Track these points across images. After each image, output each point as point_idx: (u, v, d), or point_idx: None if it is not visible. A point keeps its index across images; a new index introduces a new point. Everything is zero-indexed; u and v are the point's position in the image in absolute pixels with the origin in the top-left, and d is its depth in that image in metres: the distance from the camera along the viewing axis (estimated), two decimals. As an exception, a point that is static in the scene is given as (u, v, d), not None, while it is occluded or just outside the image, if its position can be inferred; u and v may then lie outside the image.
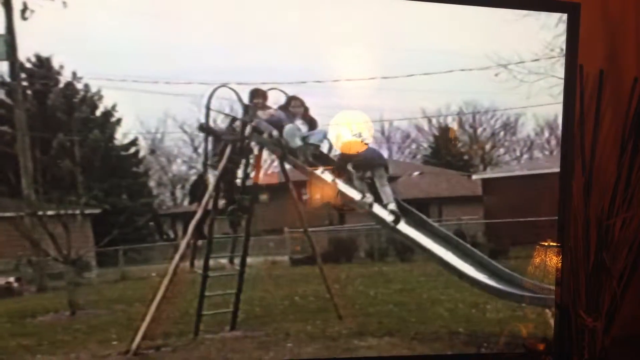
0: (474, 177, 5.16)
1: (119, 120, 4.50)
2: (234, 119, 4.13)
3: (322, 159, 4.15)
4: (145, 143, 4.67)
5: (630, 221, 3.44)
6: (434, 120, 4.88)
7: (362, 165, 4.12)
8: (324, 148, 4.10)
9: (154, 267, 4.75)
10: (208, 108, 4.06)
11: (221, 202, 4.28)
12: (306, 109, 4.06)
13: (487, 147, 5.11)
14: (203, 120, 4.12)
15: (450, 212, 5.19)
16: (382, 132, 4.82)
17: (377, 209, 4.18)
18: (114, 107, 4.40)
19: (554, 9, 3.25)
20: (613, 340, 3.46)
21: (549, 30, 3.29)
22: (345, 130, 4.01)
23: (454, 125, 4.85)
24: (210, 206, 4.21)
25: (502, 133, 4.94)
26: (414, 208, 4.29)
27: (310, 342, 4.12)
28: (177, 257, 4.12)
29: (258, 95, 4.05)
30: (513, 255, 4.46)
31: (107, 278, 4.81)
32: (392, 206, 4.16)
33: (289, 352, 4.03)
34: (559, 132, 3.34)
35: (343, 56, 3.66)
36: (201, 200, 4.22)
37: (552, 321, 3.42)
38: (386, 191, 4.17)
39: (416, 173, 5.24)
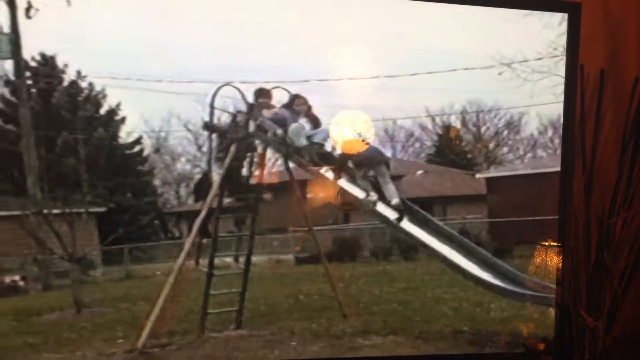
0: (478, 176, 5.16)
1: (123, 119, 4.52)
2: (236, 114, 4.13)
3: (326, 158, 4.15)
4: (149, 142, 4.69)
5: (631, 221, 3.43)
6: (437, 119, 4.89)
7: (363, 164, 4.12)
8: (328, 147, 4.11)
9: (158, 265, 4.77)
10: (212, 107, 4.07)
11: (226, 201, 4.29)
12: (309, 107, 4.07)
13: (491, 145, 5.11)
14: (207, 119, 4.13)
15: (454, 211, 5.19)
16: (386, 131, 4.83)
17: (380, 207, 4.19)
18: (118, 105, 4.42)
19: (555, 8, 3.25)
20: (614, 339, 3.44)
21: (552, 29, 3.29)
22: (346, 129, 4.02)
23: (457, 124, 4.85)
24: (214, 205, 4.22)
25: (505, 132, 4.94)
26: (418, 207, 4.29)
27: (315, 341, 4.12)
28: (182, 255, 4.12)
29: (263, 94, 4.06)
30: (517, 254, 4.46)
31: (112, 276, 4.83)
32: (396, 201, 4.16)
33: (294, 350, 4.04)
34: (563, 131, 3.35)
35: (346, 56, 3.67)
36: (206, 199, 4.23)
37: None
38: (389, 188, 4.17)
39: (420, 172, 5.25)
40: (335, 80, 3.74)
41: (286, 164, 4.29)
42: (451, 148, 5.20)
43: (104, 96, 4.36)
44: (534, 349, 3.37)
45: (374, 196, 4.15)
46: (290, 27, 3.52)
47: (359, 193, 4.17)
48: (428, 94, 4.22)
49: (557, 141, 3.91)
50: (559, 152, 3.35)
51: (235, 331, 4.28)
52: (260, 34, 3.57)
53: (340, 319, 4.36)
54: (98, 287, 4.73)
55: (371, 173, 4.14)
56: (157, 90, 3.92)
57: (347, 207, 4.62)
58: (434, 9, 3.16)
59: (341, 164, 4.13)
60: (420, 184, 5.21)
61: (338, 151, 4.13)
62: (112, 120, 4.52)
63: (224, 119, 4.18)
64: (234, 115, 4.14)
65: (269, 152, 4.26)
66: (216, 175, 4.26)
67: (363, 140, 3.97)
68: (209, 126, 4.16)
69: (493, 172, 5.17)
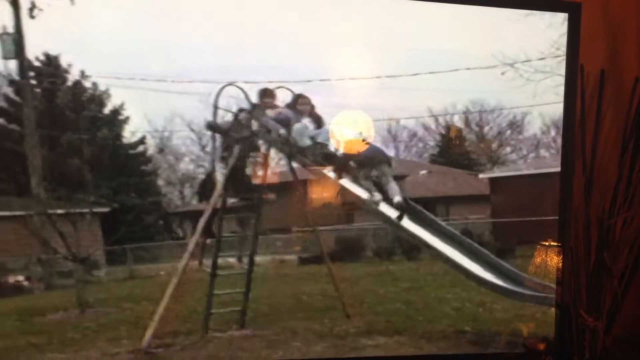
0: (481, 176, 5.16)
1: (126, 119, 4.52)
2: (238, 112, 4.14)
3: (329, 158, 4.16)
4: (153, 141, 4.69)
5: (631, 221, 3.43)
6: (440, 119, 4.89)
7: (365, 163, 4.12)
8: (331, 147, 4.11)
9: (162, 265, 4.77)
10: (216, 106, 4.07)
11: (230, 201, 4.30)
12: (312, 107, 4.07)
13: (494, 145, 5.11)
14: (211, 119, 4.14)
15: (457, 211, 5.19)
16: (389, 131, 4.83)
17: (382, 206, 4.19)
18: (122, 105, 4.42)
19: (555, 8, 3.25)
20: (614, 339, 3.45)
21: (554, 28, 3.29)
22: (346, 129, 4.02)
23: (460, 124, 4.85)
24: (218, 205, 4.22)
25: (508, 132, 4.94)
26: (422, 207, 4.29)
27: (319, 341, 4.12)
28: (186, 255, 4.13)
29: (267, 94, 4.07)
30: (520, 254, 4.46)
31: (116, 276, 4.83)
32: (398, 199, 4.16)
33: (297, 350, 4.04)
34: (565, 130, 3.35)
35: (348, 56, 3.68)
36: (209, 199, 4.24)
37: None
38: (392, 187, 4.17)
39: (423, 172, 5.25)
40: (337, 80, 3.75)
41: (289, 164, 4.30)
42: (451, 148, 5.20)
43: (108, 96, 4.36)
44: (534, 349, 3.38)
45: (377, 196, 4.15)
46: (291, 27, 3.53)
47: (362, 193, 4.17)
48: (431, 94, 4.23)
49: (559, 141, 3.90)
50: (561, 152, 3.35)
51: (239, 331, 4.28)
52: (262, 34, 3.58)
53: (344, 319, 4.36)
54: (102, 287, 4.73)
55: (374, 173, 4.14)
56: (161, 90, 3.93)
57: (349, 207, 4.62)
58: (436, 8, 3.17)
59: (343, 163, 4.13)
60: (423, 184, 5.21)
61: (340, 151, 4.14)
62: (116, 120, 4.52)
63: (227, 118, 4.18)
64: (236, 113, 4.14)
65: (272, 152, 4.26)
66: (220, 176, 4.27)
67: (363, 140, 3.97)
68: (212, 126, 4.17)
69: (496, 172, 5.17)
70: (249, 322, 4.32)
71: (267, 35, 3.57)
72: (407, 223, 4.23)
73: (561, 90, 3.28)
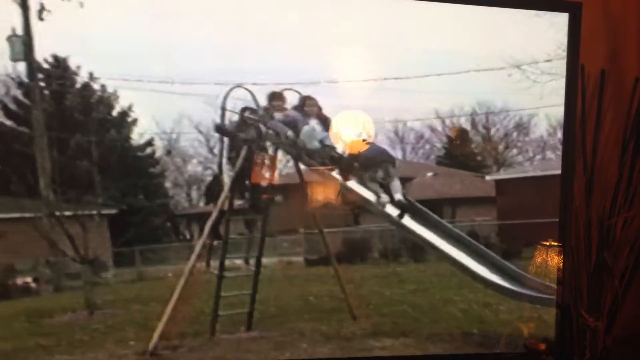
0: (488, 178, 5.16)
1: (135, 121, 4.52)
2: (242, 110, 4.14)
3: (335, 160, 4.16)
4: (161, 143, 4.69)
5: (632, 221, 3.44)
6: (447, 121, 4.89)
7: (368, 164, 4.12)
8: (339, 149, 4.11)
9: (170, 267, 4.78)
10: (223, 108, 4.08)
11: (237, 203, 4.30)
12: (320, 109, 4.08)
13: (501, 147, 5.11)
14: (219, 121, 4.14)
15: (463, 213, 5.19)
16: (396, 133, 4.84)
17: (388, 208, 4.20)
18: (130, 107, 4.43)
19: (556, 8, 3.26)
20: (614, 339, 3.46)
21: (560, 30, 3.30)
22: (349, 129, 4.02)
23: (467, 126, 4.85)
24: (225, 206, 4.23)
25: (515, 134, 4.94)
26: (428, 209, 4.30)
27: (325, 343, 4.12)
28: (193, 257, 4.14)
29: (276, 97, 4.08)
30: (526, 256, 4.46)
31: (123, 278, 4.83)
32: (398, 197, 4.17)
33: (304, 352, 4.04)
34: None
35: (355, 57, 3.68)
36: (217, 201, 4.24)
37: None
38: (394, 185, 4.17)
39: (430, 174, 5.25)
40: (348, 81, 3.76)
41: (297, 166, 4.30)
42: (454, 148, 5.20)
43: (116, 98, 4.36)
44: (535, 349, 3.38)
45: (384, 198, 4.15)
46: (298, 29, 3.54)
47: (369, 195, 4.17)
48: (437, 96, 4.23)
49: (566, 143, 3.90)
50: (567, 154, 3.36)
51: (246, 333, 4.28)
52: (270, 36, 3.58)
53: (350, 320, 4.37)
54: (110, 289, 4.74)
55: (379, 174, 4.14)
56: (169, 91, 3.93)
57: (355, 208, 4.62)
58: (443, 10, 3.18)
59: (348, 165, 4.13)
60: (430, 186, 5.21)
61: (344, 153, 4.14)
62: (124, 122, 4.52)
63: (235, 120, 4.18)
64: (242, 112, 4.14)
65: (280, 154, 4.27)
66: (227, 178, 4.27)
67: (364, 140, 3.98)
68: (220, 128, 4.17)
69: (503, 174, 5.17)
70: (256, 324, 4.33)
71: (274, 36, 3.58)
72: (413, 225, 4.23)
73: (567, 92, 3.29)
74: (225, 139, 4.22)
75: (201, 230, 4.32)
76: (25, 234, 4.29)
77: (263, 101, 4.08)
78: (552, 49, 3.43)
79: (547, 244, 3.34)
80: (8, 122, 4.30)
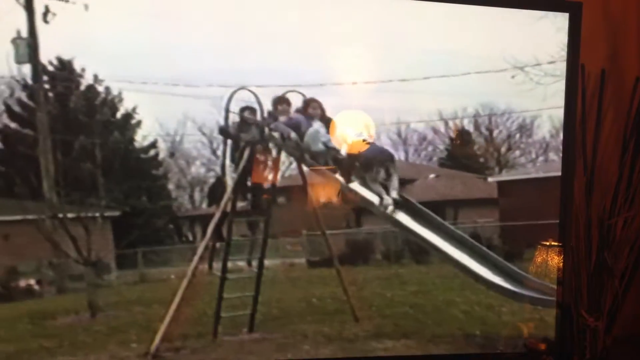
0: (490, 179, 5.16)
1: (139, 123, 4.52)
2: (242, 110, 4.13)
3: (338, 161, 4.16)
4: (164, 145, 4.68)
5: (632, 220, 3.47)
6: (450, 123, 4.88)
7: (368, 164, 4.12)
8: (343, 151, 4.11)
9: (172, 269, 4.77)
10: (227, 111, 4.07)
11: (240, 205, 4.30)
12: (323, 111, 4.08)
13: (503, 149, 5.11)
14: (223, 123, 4.14)
15: (465, 215, 5.18)
16: (399, 134, 4.84)
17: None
18: (134, 109, 4.42)
19: (556, 8, 3.27)
20: (614, 339, 3.48)
21: (564, 32, 3.31)
22: (349, 130, 4.02)
23: (470, 127, 4.85)
24: (228, 208, 4.23)
25: (517, 135, 4.93)
26: (430, 210, 4.29)
27: (327, 344, 4.13)
28: (195, 259, 4.14)
29: (281, 102, 4.08)
30: (528, 257, 4.45)
31: (126, 280, 4.82)
32: (394, 194, 4.17)
33: (306, 354, 4.04)
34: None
35: (358, 59, 3.68)
36: (219, 203, 4.24)
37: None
38: (392, 182, 4.17)
39: (432, 176, 5.24)
40: (352, 83, 3.76)
41: (300, 167, 4.30)
42: (456, 150, 5.19)
43: (121, 100, 4.35)
44: (535, 348, 3.39)
45: (388, 200, 4.15)
46: (303, 31, 3.54)
47: (372, 197, 4.17)
48: (439, 97, 4.23)
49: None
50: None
51: (248, 335, 4.29)
52: (271, 37, 3.59)
53: (353, 322, 4.37)
54: (112, 291, 4.72)
55: (381, 175, 4.14)
56: (173, 93, 3.93)
57: (357, 209, 4.62)
58: (444, 10, 3.20)
59: (349, 165, 4.13)
60: (432, 187, 5.21)
61: (345, 153, 4.13)
62: (128, 124, 4.52)
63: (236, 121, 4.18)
64: (241, 112, 4.13)
65: (283, 156, 4.26)
66: (230, 179, 4.27)
67: (364, 140, 3.98)
68: (224, 131, 4.17)
69: (505, 176, 5.16)
70: (258, 326, 4.34)
71: (276, 37, 3.59)
72: (416, 226, 4.23)
73: (570, 93, 3.30)
74: (229, 141, 4.22)
75: (204, 232, 4.31)
76: (29, 236, 4.28)
77: (267, 103, 4.08)
78: (555, 51, 3.45)
79: (547, 243, 3.35)
80: (12, 125, 4.28)
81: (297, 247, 4.99)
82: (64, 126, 4.22)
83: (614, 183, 3.47)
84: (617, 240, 3.45)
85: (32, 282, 4.44)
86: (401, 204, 4.21)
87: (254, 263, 4.40)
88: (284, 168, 4.41)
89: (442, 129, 4.84)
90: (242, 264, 4.48)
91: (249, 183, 4.28)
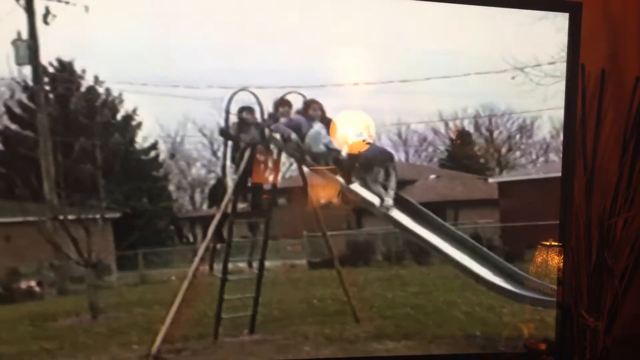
0: (490, 180, 5.16)
1: (139, 124, 4.52)
2: (241, 110, 4.13)
3: (338, 162, 4.16)
4: (165, 147, 4.68)
5: (632, 220, 3.47)
6: (450, 124, 4.88)
7: (368, 164, 4.12)
8: (344, 152, 4.11)
9: (173, 270, 4.77)
10: (228, 112, 4.07)
11: (240, 206, 4.30)
12: (324, 112, 4.08)
13: (503, 150, 5.11)
14: (223, 124, 4.14)
15: (466, 216, 5.18)
16: (399, 135, 4.84)
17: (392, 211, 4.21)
18: (134, 110, 4.42)
19: (556, 8, 3.28)
20: (614, 339, 3.48)
21: (564, 33, 3.31)
22: (351, 130, 4.02)
23: (470, 128, 4.85)
24: (229, 209, 4.23)
25: (518, 136, 4.94)
26: (431, 211, 4.29)
27: (328, 345, 4.13)
28: (196, 260, 4.14)
29: (282, 104, 4.08)
30: (529, 258, 4.45)
31: (127, 281, 4.82)
32: (392, 194, 4.17)
33: (307, 355, 4.05)
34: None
35: (358, 59, 3.68)
36: (220, 204, 4.24)
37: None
38: (390, 182, 4.17)
39: (433, 176, 5.25)
40: (353, 84, 3.76)
41: (300, 169, 4.31)
42: (456, 151, 5.19)
43: (121, 101, 4.36)
44: (535, 349, 3.39)
45: (389, 201, 4.15)
46: (303, 31, 3.55)
47: (373, 199, 4.17)
48: (439, 98, 4.24)
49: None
50: (569, 156, 3.37)
51: (249, 336, 4.28)
52: (271, 38, 3.59)
53: (353, 323, 4.37)
54: (113, 292, 4.73)
55: (382, 175, 4.14)
56: (173, 95, 3.93)
57: (357, 210, 4.63)
58: (445, 10, 3.19)
59: (349, 166, 4.13)
60: (432, 188, 5.21)
61: (345, 154, 4.13)
62: (129, 125, 4.52)
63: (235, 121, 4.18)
64: (239, 112, 4.13)
65: (283, 157, 4.26)
66: (230, 181, 4.27)
67: (363, 141, 3.98)
68: (225, 132, 4.17)
69: (505, 177, 5.16)
70: (259, 327, 4.33)
71: (275, 38, 3.59)
72: (417, 227, 4.23)
73: (570, 94, 3.30)
74: (229, 142, 4.22)
75: (204, 233, 4.31)
76: (30, 238, 4.29)
77: (267, 104, 4.08)
78: (555, 52, 3.45)
79: (548, 243, 3.35)
80: (13, 126, 4.28)
81: (297, 247, 4.99)
82: (64, 128, 4.23)
83: (614, 183, 3.47)
84: (617, 240, 3.45)
85: (33, 283, 4.45)
86: (401, 204, 4.20)
87: (255, 264, 4.40)
88: (284, 169, 4.40)
89: (442, 129, 4.84)
90: (242, 265, 4.48)
91: (249, 184, 4.27)
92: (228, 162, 4.26)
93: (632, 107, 3.47)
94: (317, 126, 4.09)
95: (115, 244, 4.65)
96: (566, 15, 3.26)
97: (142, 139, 4.65)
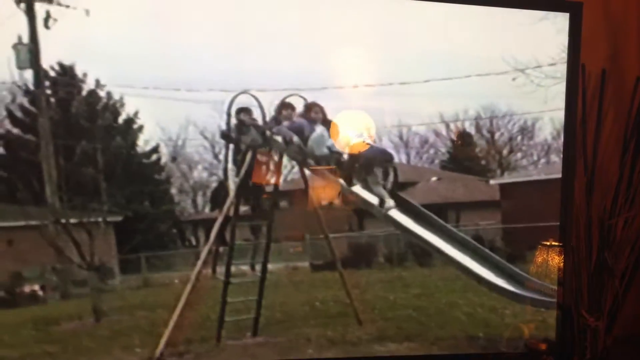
0: (492, 182, 5.16)
1: (140, 128, 4.52)
2: (239, 111, 4.13)
3: (340, 164, 4.16)
4: (166, 150, 4.69)
5: (632, 221, 3.46)
6: (451, 125, 4.89)
7: (368, 164, 4.12)
8: (345, 155, 4.11)
9: (176, 273, 4.78)
10: (229, 115, 4.08)
11: (243, 209, 4.31)
12: (325, 114, 4.08)
13: (505, 151, 5.11)
14: (224, 127, 4.14)
15: (468, 217, 5.19)
16: (401, 137, 4.85)
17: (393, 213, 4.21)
18: (136, 114, 4.43)
19: (556, 8, 3.27)
20: (615, 339, 3.47)
21: (565, 34, 3.30)
22: (351, 130, 4.03)
23: (471, 130, 4.85)
24: (231, 212, 4.23)
25: (519, 137, 4.94)
26: (433, 213, 4.30)
27: (331, 348, 4.13)
28: (199, 263, 4.14)
29: (286, 107, 4.09)
30: (530, 259, 4.45)
31: (130, 284, 4.82)
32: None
33: (310, 357, 4.05)
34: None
35: (360, 61, 3.68)
36: (222, 207, 4.24)
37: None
38: (389, 182, 4.17)
39: (434, 178, 5.25)
40: (354, 87, 3.76)
41: (302, 171, 4.31)
42: (455, 151, 5.19)
43: (122, 105, 4.36)
44: (536, 349, 3.39)
45: (390, 202, 4.15)
46: (304, 33, 3.55)
47: (374, 200, 4.17)
48: (441, 100, 4.24)
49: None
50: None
51: (252, 338, 4.28)
52: (276, 40, 3.59)
53: (356, 325, 4.36)
54: (116, 296, 4.73)
55: (382, 176, 4.14)
56: (174, 98, 3.94)
57: (358, 211, 4.63)
58: (445, 10, 3.19)
59: (350, 166, 4.13)
60: (434, 190, 5.21)
61: (346, 155, 4.14)
62: (130, 128, 4.53)
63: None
64: (237, 113, 4.13)
65: (285, 160, 4.27)
66: (232, 183, 4.28)
67: (364, 141, 3.98)
68: (226, 135, 4.17)
69: (507, 178, 5.17)
70: (262, 330, 4.33)
71: (279, 40, 3.59)
72: (418, 229, 4.23)
73: (571, 95, 3.30)
74: (231, 145, 4.22)
75: (207, 236, 4.31)
76: (32, 242, 4.30)
77: (268, 107, 4.08)
78: (555, 53, 3.44)
79: (548, 243, 3.35)
80: (14, 130, 4.29)
81: (299, 248, 4.99)
82: (66, 131, 4.24)
83: (614, 183, 3.46)
84: (618, 241, 3.44)
85: (36, 287, 4.45)
86: (403, 206, 4.21)
87: (258, 267, 4.40)
88: (286, 172, 4.40)
89: (443, 131, 4.84)
90: (245, 268, 4.48)
91: (250, 185, 4.27)
92: (230, 165, 4.26)
93: (632, 107, 3.46)
94: (320, 129, 4.09)
95: (117, 247, 4.65)
96: (566, 15, 3.25)
97: (143, 142, 4.66)
